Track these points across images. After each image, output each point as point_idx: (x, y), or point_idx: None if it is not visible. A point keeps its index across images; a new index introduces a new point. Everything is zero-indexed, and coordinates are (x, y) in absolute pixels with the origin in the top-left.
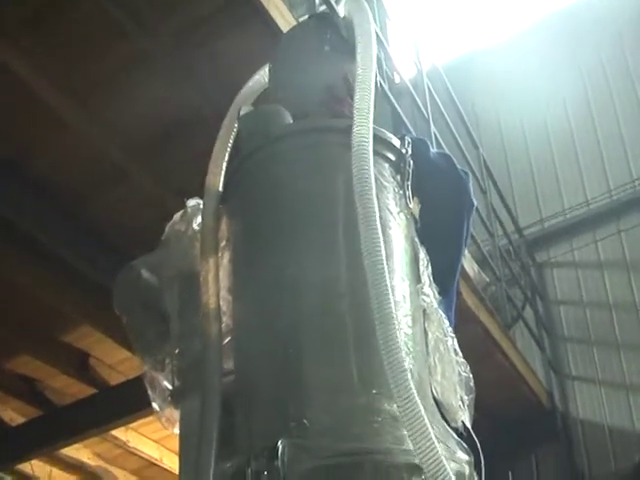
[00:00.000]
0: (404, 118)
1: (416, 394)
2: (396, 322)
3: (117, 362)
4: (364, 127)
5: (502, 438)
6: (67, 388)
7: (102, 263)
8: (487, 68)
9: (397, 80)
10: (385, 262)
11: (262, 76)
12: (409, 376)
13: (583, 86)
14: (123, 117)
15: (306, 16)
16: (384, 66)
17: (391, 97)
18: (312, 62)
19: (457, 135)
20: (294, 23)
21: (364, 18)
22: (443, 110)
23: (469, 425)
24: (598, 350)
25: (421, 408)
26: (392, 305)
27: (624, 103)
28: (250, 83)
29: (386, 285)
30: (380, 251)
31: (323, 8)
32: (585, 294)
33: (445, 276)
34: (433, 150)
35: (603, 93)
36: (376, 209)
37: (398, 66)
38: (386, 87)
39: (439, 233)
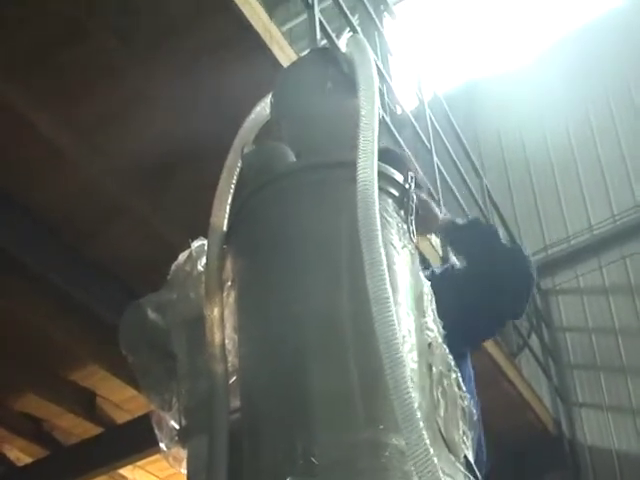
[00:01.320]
0: (406, 150)
1: (424, 429)
2: (404, 356)
3: (124, 400)
4: (369, 170)
5: (509, 466)
6: (74, 427)
7: (107, 300)
8: (489, 96)
9: (399, 111)
10: (392, 300)
11: (264, 108)
12: (416, 409)
13: (586, 113)
14: (124, 151)
15: (307, 50)
16: (386, 98)
17: (393, 129)
18: (314, 97)
19: (460, 165)
20: (295, 57)
21: (365, 57)
22: (445, 140)
23: (472, 460)
24: (605, 376)
25: (428, 443)
26: (399, 339)
27: (626, 129)
28: (252, 115)
29: (392, 319)
30: (385, 284)
31: (324, 42)
32: (591, 320)
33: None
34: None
35: (605, 119)
36: (383, 258)
37: (400, 98)
38: (388, 120)
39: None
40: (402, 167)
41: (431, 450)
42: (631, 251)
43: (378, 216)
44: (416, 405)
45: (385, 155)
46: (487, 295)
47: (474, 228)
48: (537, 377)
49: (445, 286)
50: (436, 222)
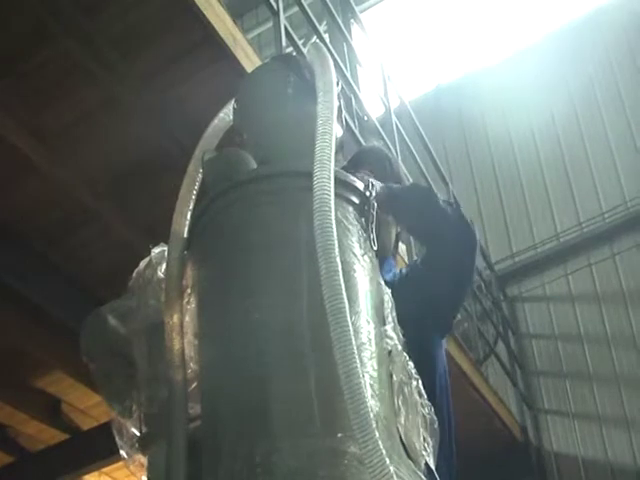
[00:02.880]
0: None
1: (378, 437)
2: (358, 364)
3: (89, 407)
4: (325, 179)
5: (476, 474)
6: (39, 434)
7: (72, 306)
8: (455, 102)
9: (365, 118)
10: (348, 310)
11: (227, 114)
12: (372, 419)
13: (552, 121)
14: (90, 159)
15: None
16: (354, 106)
17: (360, 138)
18: (275, 104)
19: (426, 172)
20: (259, 63)
21: (325, 65)
22: (412, 147)
23: (433, 466)
24: (571, 383)
25: (384, 452)
26: (355, 350)
27: (592, 137)
28: (215, 121)
29: (348, 329)
30: (341, 294)
31: (290, 49)
32: (557, 327)
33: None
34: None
35: (572, 127)
36: (339, 269)
37: (367, 106)
38: (356, 130)
39: (450, 268)
40: (382, 161)
41: (387, 459)
42: (597, 258)
43: (334, 226)
44: (372, 415)
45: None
46: (433, 255)
47: (410, 193)
48: (503, 384)
49: (408, 277)
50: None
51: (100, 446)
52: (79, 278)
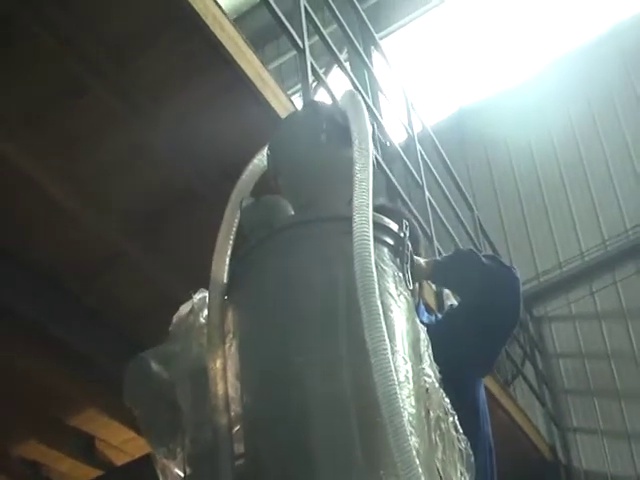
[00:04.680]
0: (399, 188)
1: (422, 474)
2: (400, 403)
3: (123, 442)
4: (364, 224)
5: None
6: (73, 471)
7: (103, 345)
8: (478, 124)
9: (388, 144)
10: (390, 351)
11: (261, 160)
12: (415, 456)
13: (574, 139)
14: (120, 199)
15: (299, 97)
16: (376, 133)
17: (385, 167)
18: (309, 150)
19: (451, 198)
20: (287, 103)
21: (359, 112)
22: (436, 174)
23: None
24: (599, 401)
25: None
26: (397, 389)
27: (615, 154)
28: (250, 167)
29: (391, 371)
30: (383, 336)
31: (315, 84)
32: (584, 346)
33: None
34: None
35: (594, 145)
36: (380, 311)
37: (390, 132)
38: (379, 157)
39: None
40: (398, 218)
41: None
42: (622, 276)
43: (374, 269)
44: (414, 452)
45: (381, 210)
46: (482, 317)
47: (455, 261)
48: (531, 404)
49: (446, 325)
50: (421, 271)
51: None
52: (110, 318)
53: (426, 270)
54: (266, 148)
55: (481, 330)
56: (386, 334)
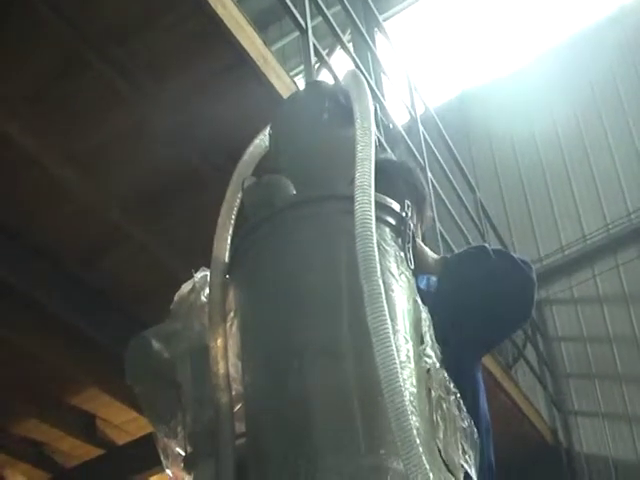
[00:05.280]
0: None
1: (423, 453)
2: (402, 382)
3: (124, 422)
4: (366, 205)
5: (507, 478)
6: (74, 450)
7: (105, 325)
8: (481, 106)
9: (391, 126)
10: (391, 331)
11: (262, 140)
12: (415, 435)
13: (577, 123)
14: (123, 180)
15: (302, 79)
16: (379, 115)
17: (388, 150)
18: (311, 129)
19: (453, 180)
20: (290, 84)
21: (362, 92)
22: (439, 156)
23: (475, 478)
24: (600, 384)
25: (427, 467)
26: (398, 369)
27: (617, 137)
28: (251, 148)
29: (392, 351)
30: (384, 315)
31: (317, 65)
32: (585, 329)
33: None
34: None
35: (596, 129)
36: (382, 290)
37: (392, 114)
38: (382, 138)
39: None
40: (406, 171)
41: (431, 475)
42: (624, 259)
43: (376, 250)
44: (415, 431)
45: (388, 164)
46: (489, 316)
47: (464, 261)
48: (533, 387)
49: (448, 311)
50: (429, 266)
51: (135, 461)
52: (114, 298)
53: (434, 267)
54: (267, 128)
55: (487, 324)
56: (388, 314)
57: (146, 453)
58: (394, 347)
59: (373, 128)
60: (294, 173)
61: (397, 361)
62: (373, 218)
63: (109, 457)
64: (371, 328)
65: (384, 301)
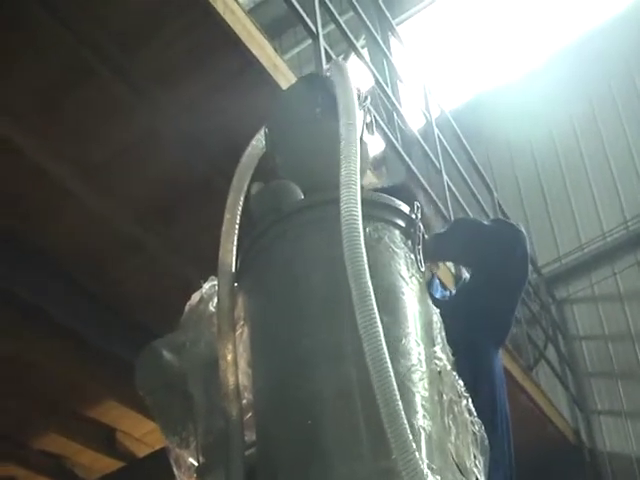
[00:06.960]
0: (417, 173)
1: (417, 454)
2: (394, 385)
3: (144, 434)
4: (351, 204)
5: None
6: (95, 463)
7: (120, 336)
8: (498, 107)
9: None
10: (382, 333)
11: (259, 141)
12: (411, 439)
13: (594, 120)
14: (133, 189)
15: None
16: (395, 120)
17: (403, 154)
18: (305, 125)
19: (470, 181)
20: None
21: (345, 85)
22: (454, 158)
23: None
24: (622, 383)
25: (425, 472)
26: (391, 373)
27: (635, 133)
28: (249, 149)
29: (384, 354)
30: (376, 324)
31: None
32: (607, 327)
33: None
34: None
35: (615, 125)
36: (371, 293)
37: (408, 117)
38: (399, 144)
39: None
40: (410, 198)
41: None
42: None
43: (364, 249)
44: (424, 434)
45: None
46: (492, 277)
47: (455, 230)
48: (554, 388)
49: (459, 297)
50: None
51: (156, 473)
52: (126, 309)
53: (428, 247)
54: (263, 128)
55: (493, 291)
56: (377, 315)
57: (167, 465)
58: (384, 347)
59: (358, 123)
60: (290, 172)
61: (389, 366)
62: (359, 217)
63: (130, 470)
64: (361, 331)
65: (374, 303)
